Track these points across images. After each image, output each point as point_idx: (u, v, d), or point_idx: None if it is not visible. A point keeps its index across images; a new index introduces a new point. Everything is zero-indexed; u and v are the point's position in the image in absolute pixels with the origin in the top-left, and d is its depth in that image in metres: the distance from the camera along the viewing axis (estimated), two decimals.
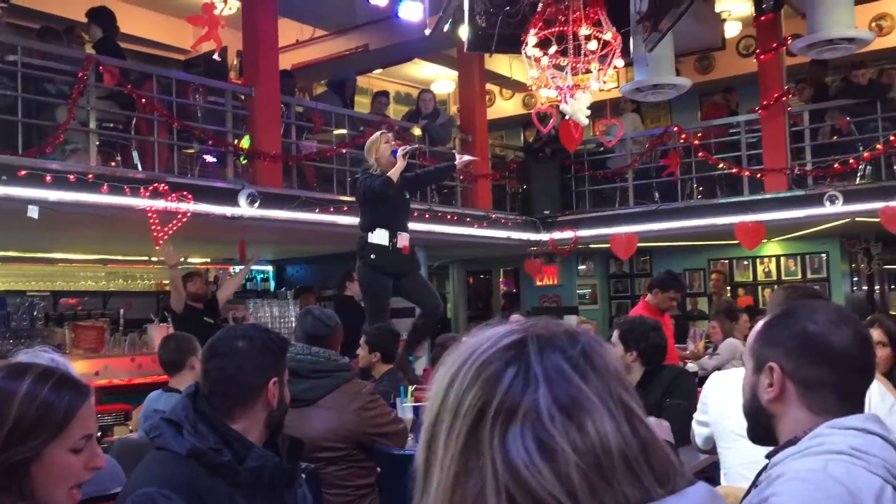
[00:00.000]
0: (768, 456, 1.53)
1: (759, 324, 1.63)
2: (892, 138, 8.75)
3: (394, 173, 5.40)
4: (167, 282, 7.67)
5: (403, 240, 5.58)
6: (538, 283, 12.19)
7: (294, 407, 2.61)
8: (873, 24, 10.67)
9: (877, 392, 2.33)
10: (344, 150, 8.88)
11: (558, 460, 0.73)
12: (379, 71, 12.35)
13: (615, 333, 4.12)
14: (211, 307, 7.09)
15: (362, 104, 10.55)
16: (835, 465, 1.34)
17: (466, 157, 6.06)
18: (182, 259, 7.25)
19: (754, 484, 1.51)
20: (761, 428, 1.58)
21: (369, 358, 4.62)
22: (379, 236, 5.46)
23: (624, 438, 0.75)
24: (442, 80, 12.91)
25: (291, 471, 2.05)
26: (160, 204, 6.81)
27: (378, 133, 5.80)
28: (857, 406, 1.49)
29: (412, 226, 8.93)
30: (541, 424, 0.74)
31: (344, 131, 9.20)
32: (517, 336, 0.80)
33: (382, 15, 9.13)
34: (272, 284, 12.26)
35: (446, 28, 7.05)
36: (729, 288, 11.40)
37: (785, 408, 1.52)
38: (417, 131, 9.79)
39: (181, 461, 1.89)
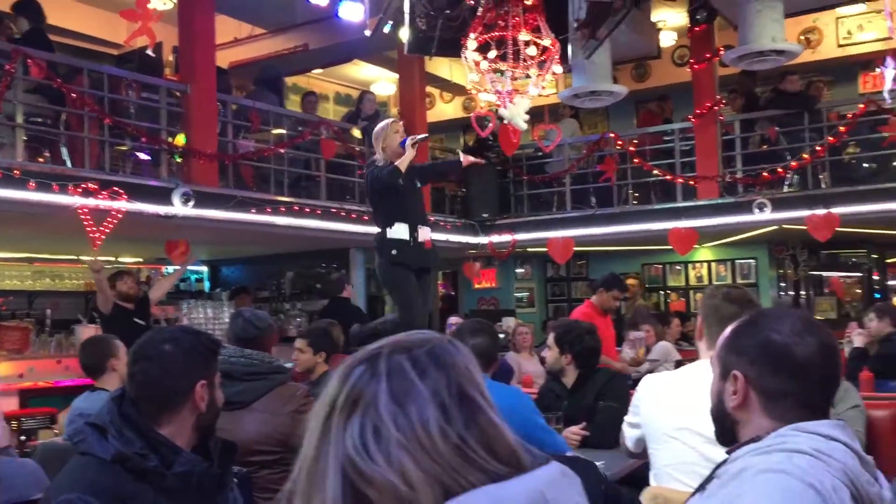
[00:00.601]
0: (729, 452, 1.55)
1: (727, 330, 1.63)
2: (817, 149, 9.05)
3: (402, 163, 5.11)
4: None
5: (425, 233, 5.26)
6: (476, 286, 12.24)
7: (227, 410, 2.57)
8: (802, 38, 11.03)
9: None
10: (282, 150, 8.78)
11: (386, 443, 0.86)
12: (319, 71, 12.26)
13: (550, 336, 4.16)
14: (142, 308, 6.93)
15: (296, 103, 10.47)
16: (799, 459, 1.37)
17: (472, 159, 5.91)
18: (112, 259, 7.07)
19: (711, 477, 1.54)
20: (727, 432, 1.60)
21: (314, 359, 4.54)
22: (399, 231, 5.15)
23: (451, 425, 0.87)
24: (382, 82, 12.88)
25: (221, 475, 2.01)
26: (90, 202, 6.62)
27: (388, 121, 5.52)
28: (820, 415, 1.50)
29: (351, 227, 8.97)
30: (376, 412, 0.87)
31: (283, 131, 9.10)
32: (379, 343, 0.94)
33: (322, 15, 9.06)
34: (206, 285, 12.05)
35: (387, 30, 7.04)
36: (648, 293, 11.63)
37: (748, 415, 1.54)
38: (357, 133, 9.74)
39: (105, 467, 1.84)
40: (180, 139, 7.75)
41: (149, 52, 7.34)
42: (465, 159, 5.71)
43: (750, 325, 1.59)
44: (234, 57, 10.90)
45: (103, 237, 6.67)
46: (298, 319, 10.11)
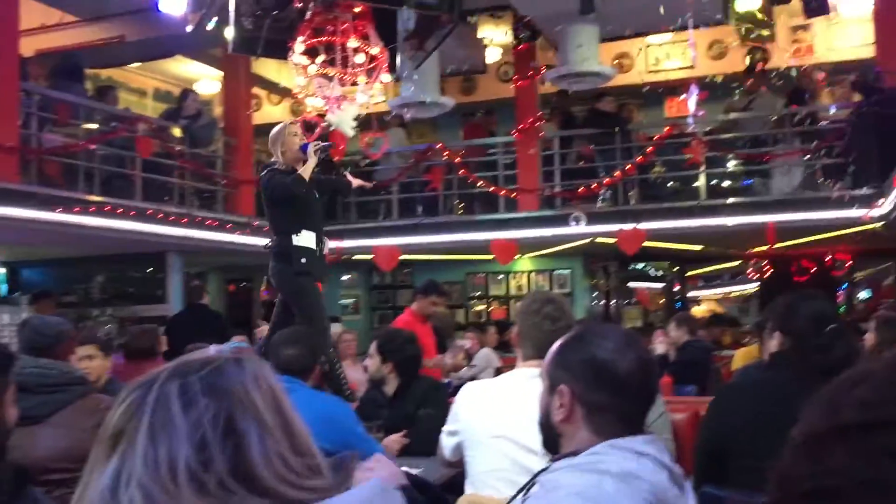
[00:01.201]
0: (551, 461, 1.60)
1: (556, 345, 1.68)
2: (628, 167, 9.63)
3: (305, 171, 4.87)
4: None
5: (327, 245, 5.23)
6: None
7: (22, 425, 2.36)
8: (615, 62, 11.71)
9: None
10: (93, 147, 8.25)
11: (133, 484, 0.81)
12: (137, 65, 11.64)
13: (373, 345, 4.15)
14: None
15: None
16: (607, 484, 1.43)
17: (359, 182, 5.69)
18: None
19: (532, 483, 1.57)
20: (551, 443, 1.65)
21: (104, 365, 4.26)
22: (306, 239, 4.93)
23: (208, 463, 0.83)
24: (206, 80, 12.41)
25: (9, 502, 1.84)
26: None
27: (285, 123, 5.20)
28: (637, 428, 1.58)
29: (169, 230, 8.57)
30: (132, 449, 0.83)
31: (95, 126, 8.57)
32: (163, 367, 0.89)
33: (141, 6, 8.60)
34: (3, 288, 11.10)
35: (210, 27, 6.78)
36: (470, 302, 11.93)
37: (572, 428, 1.59)
38: (177, 131, 9.33)
39: None
40: None
41: None
42: (354, 182, 5.60)
43: (576, 341, 1.65)
44: (41, 45, 10.12)
45: None
46: (109, 326, 9.53)
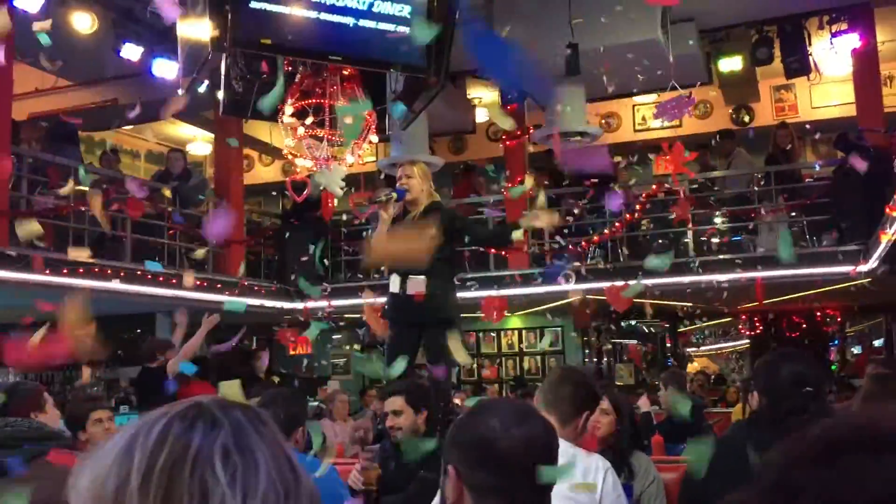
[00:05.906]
0: None
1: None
2: (616, 224, 9.70)
3: (377, 236, 4.77)
4: None
5: (414, 286, 4.69)
6: (291, 353, 11.97)
7: None
8: (602, 121, 11.88)
9: (610, 482, 2.41)
10: (83, 208, 8.28)
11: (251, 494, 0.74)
12: (130, 127, 11.76)
13: (397, 400, 3.99)
14: None
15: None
16: None
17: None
18: None
19: None
20: None
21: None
22: (392, 283, 4.81)
23: (284, 483, 0.76)
24: (199, 142, 12.55)
25: None
26: None
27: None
28: None
29: (157, 291, 8.53)
30: (210, 468, 0.74)
31: (86, 188, 8.60)
32: (190, 402, 0.81)
33: (134, 70, 8.74)
34: None
35: (202, 90, 6.89)
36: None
37: None
38: (167, 192, 9.39)
39: None
40: None
41: None
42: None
43: (468, 418, 1.59)
44: (35, 108, 10.24)
45: None
46: (95, 388, 9.43)
